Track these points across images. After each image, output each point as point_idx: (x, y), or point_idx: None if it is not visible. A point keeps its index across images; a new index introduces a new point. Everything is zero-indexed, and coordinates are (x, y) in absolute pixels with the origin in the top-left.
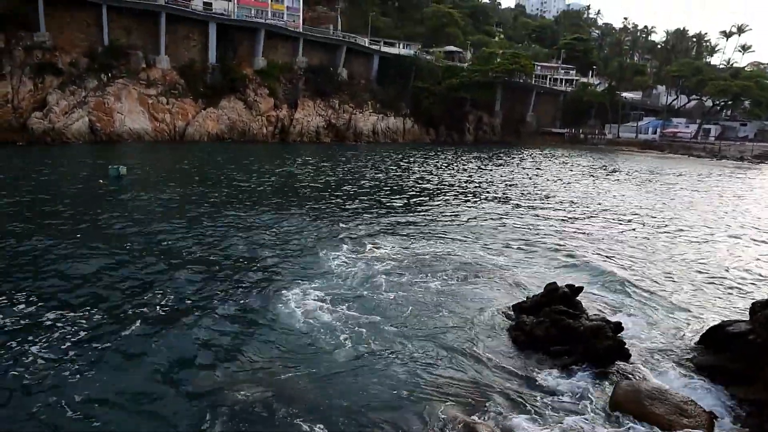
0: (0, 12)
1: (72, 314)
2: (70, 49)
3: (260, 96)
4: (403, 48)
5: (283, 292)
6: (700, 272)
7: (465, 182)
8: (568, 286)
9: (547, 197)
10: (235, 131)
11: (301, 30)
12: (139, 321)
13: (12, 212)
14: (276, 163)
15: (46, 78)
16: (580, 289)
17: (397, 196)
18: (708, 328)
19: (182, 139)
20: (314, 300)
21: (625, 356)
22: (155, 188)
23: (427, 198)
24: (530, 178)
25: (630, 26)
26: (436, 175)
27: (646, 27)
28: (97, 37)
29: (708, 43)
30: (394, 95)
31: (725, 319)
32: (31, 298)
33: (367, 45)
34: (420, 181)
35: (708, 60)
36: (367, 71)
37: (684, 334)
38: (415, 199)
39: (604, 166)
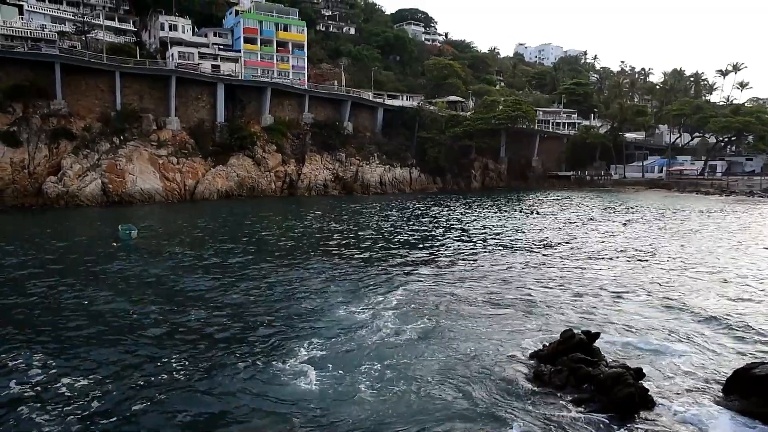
0: (20, 83)
1: (83, 382)
2: (85, 115)
3: (268, 152)
4: (407, 100)
5: (296, 344)
6: (720, 313)
7: (477, 228)
8: (584, 332)
9: (565, 241)
10: (244, 188)
11: (306, 87)
12: (152, 383)
13: (21, 278)
14: (285, 218)
15: (61, 143)
16: (597, 335)
17: (408, 245)
18: (733, 371)
19: (192, 197)
20: (326, 354)
21: (650, 404)
22: (166, 249)
23: (439, 246)
24: (547, 222)
25: (627, 69)
26: (445, 223)
27: (643, 69)
28: (110, 102)
29: (705, 82)
30: (400, 146)
31: (751, 362)
32: (40, 363)
33: (371, 98)
34: (429, 229)
35: (707, 98)
36: (373, 124)
37: (709, 378)
38: (426, 248)
39: (615, 206)
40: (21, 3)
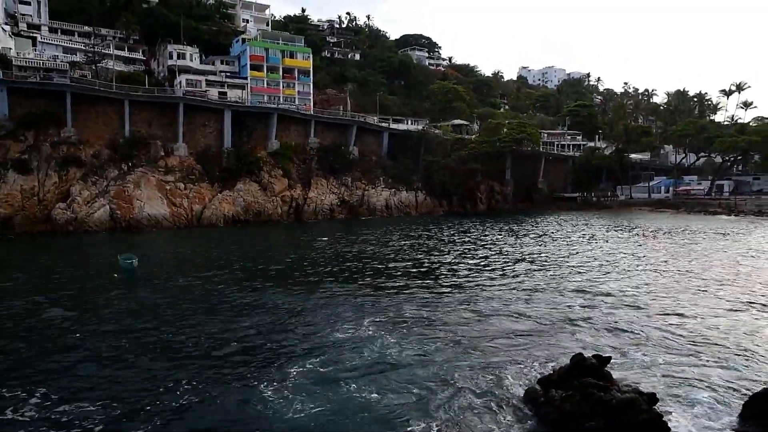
0: (32, 112)
1: (82, 408)
2: (94, 142)
3: (274, 177)
4: (412, 124)
5: (294, 368)
6: (737, 335)
7: (486, 250)
8: (595, 356)
9: (575, 261)
10: (250, 212)
11: (312, 112)
12: (148, 409)
13: (24, 307)
14: (291, 243)
15: (70, 170)
16: (608, 359)
17: (415, 268)
18: (751, 395)
19: (199, 222)
20: (321, 377)
21: (664, 430)
22: (168, 277)
23: (446, 268)
24: (555, 243)
25: (631, 90)
26: (453, 245)
27: (647, 90)
28: (119, 129)
29: (709, 102)
30: (406, 170)
31: None
32: (38, 396)
33: (376, 123)
34: (437, 252)
35: (712, 118)
36: (378, 148)
37: (725, 402)
38: (433, 270)
39: (623, 227)
40: (35, 35)
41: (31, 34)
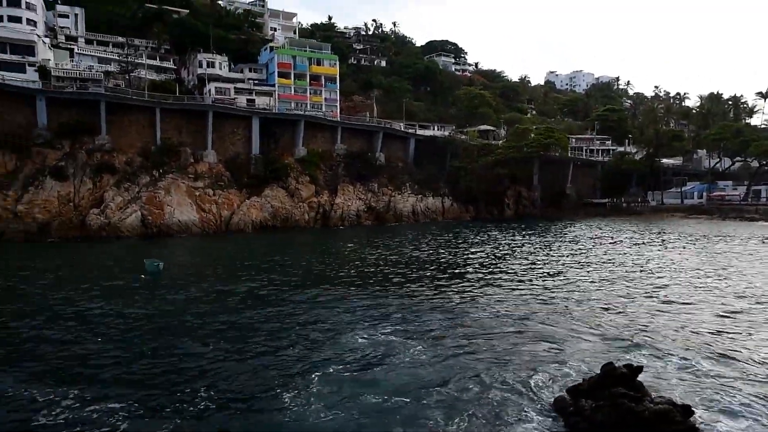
0: (69, 121)
1: (112, 406)
2: (127, 149)
3: (301, 183)
4: (438, 130)
5: (313, 374)
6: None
7: (515, 258)
8: (626, 365)
9: (604, 271)
10: (278, 218)
11: (338, 119)
12: (167, 413)
13: (53, 312)
14: (317, 249)
15: (104, 177)
16: (640, 368)
17: (444, 275)
18: None
19: (228, 228)
20: (348, 382)
21: None
22: (192, 282)
23: (476, 274)
24: (583, 252)
25: (662, 94)
26: (482, 252)
27: (678, 93)
28: (151, 137)
29: (745, 105)
30: (432, 175)
31: None
32: (68, 395)
33: (402, 129)
34: (466, 258)
35: (748, 121)
36: (404, 154)
37: (765, 417)
38: (463, 277)
39: (657, 233)
40: (72, 47)
41: (68, 46)
